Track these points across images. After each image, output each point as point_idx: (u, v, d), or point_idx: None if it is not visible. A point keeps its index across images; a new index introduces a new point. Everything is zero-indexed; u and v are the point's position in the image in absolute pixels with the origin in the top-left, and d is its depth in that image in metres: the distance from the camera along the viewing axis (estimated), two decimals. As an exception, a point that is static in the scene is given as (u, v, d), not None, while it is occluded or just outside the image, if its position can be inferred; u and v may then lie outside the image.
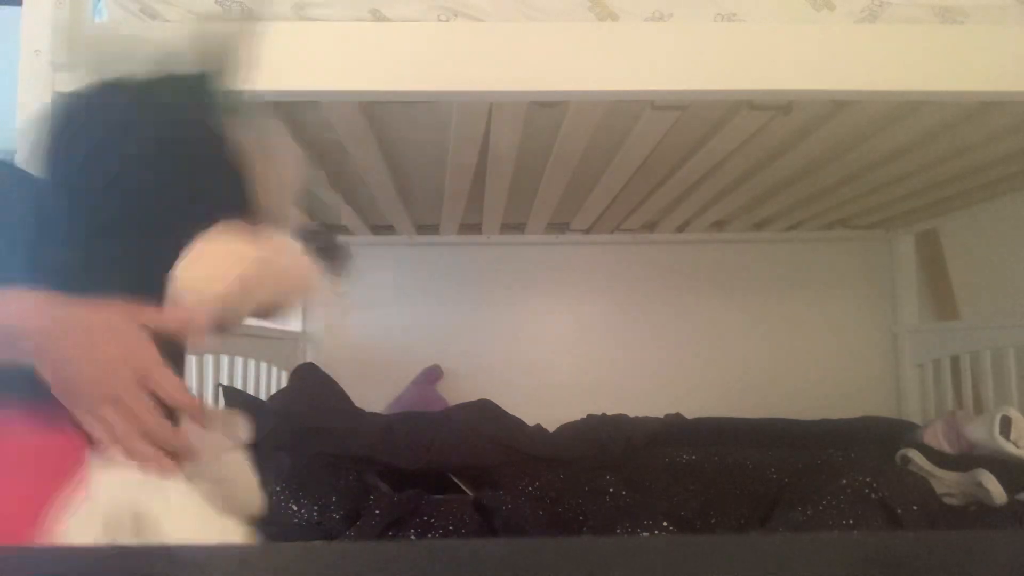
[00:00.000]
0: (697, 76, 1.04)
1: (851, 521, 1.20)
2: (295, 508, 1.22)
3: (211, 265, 0.67)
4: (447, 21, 1.04)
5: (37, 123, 0.72)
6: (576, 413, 1.97)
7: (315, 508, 1.23)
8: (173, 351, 0.66)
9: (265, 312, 0.79)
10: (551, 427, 1.88)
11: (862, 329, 2.46)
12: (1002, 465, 1.43)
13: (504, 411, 1.76)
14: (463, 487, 1.59)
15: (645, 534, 1.21)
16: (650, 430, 1.89)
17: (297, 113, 1.30)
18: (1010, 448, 1.51)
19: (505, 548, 0.40)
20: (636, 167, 1.59)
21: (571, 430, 1.88)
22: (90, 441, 0.59)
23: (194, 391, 1.50)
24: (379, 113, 1.31)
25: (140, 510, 0.56)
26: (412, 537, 1.18)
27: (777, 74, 1.05)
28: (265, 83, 1.02)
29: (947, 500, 1.41)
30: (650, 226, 2.39)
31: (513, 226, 2.38)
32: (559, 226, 2.40)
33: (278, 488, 1.23)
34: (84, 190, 0.68)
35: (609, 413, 1.98)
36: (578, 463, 1.70)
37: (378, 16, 1.03)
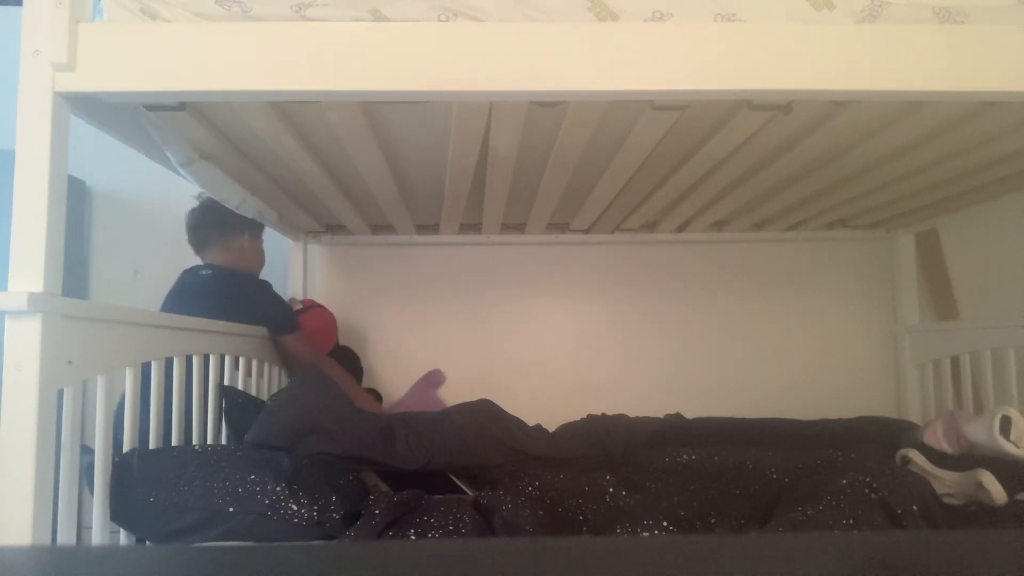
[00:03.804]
0: (697, 76, 1.04)
1: (851, 521, 1.20)
2: (295, 508, 1.22)
3: None
4: (447, 21, 1.04)
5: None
6: (576, 413, 1.97)
7: (315, 508, 1.22)
8: None
9: None
10: (551, 427, 1.88)
11: (862, 329, 2.47)
12: (1002, 465, 1.43)
13: (504, 411, 1.76)
14: (463, 487, 1.59)
15: (645, 534, 1.20)
16: (650, 430, 1.89)
17: (297, 113, 1.30)
18: (1010, 448, 1.51)
19: (505, 548, 0.40)
20: (636, 167, 1.59)
21: (571, 430, 1.87)
22: None
23: (195, 391, 1.50)
24: (379, 113, 1.31)
25: None
26: (412, 537, 1.18)
27: (777, 74, 1.05)
28: (266, 83, 1.02)
29: (947, 500, 1.40)
30: (650, 226, 2.39)
31: (513, 226, 2.38)
32: (559, 226, 2.40)
33: (278, 488, 1.23)
34: None
35: (609, 413, 1.98)
36: (578, 463, 1.70)
37: (378, 16, 1.03)
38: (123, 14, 1.03)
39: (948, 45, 1.06)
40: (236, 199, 1.76)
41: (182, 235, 2.00)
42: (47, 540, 0.99)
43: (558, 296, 2.48)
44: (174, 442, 1.42)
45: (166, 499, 1.20)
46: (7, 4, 2.16)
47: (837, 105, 1.29)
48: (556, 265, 2.47)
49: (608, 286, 2.48)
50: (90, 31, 1.02)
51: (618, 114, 1.30)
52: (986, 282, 2.37)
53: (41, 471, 0.97)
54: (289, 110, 1.28)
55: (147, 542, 1.25)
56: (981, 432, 1.58)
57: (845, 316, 2.47)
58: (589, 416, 1.96)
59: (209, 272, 1.92)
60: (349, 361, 2.23)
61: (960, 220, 2.27)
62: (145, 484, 1.22)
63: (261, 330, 1.94)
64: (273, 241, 2.35)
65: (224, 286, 1.88)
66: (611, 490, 1.35)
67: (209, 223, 1.96)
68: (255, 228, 2.05)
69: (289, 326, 1.99)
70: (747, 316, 2.46)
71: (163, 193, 2.33)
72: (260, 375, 1.95)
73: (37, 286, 0.98)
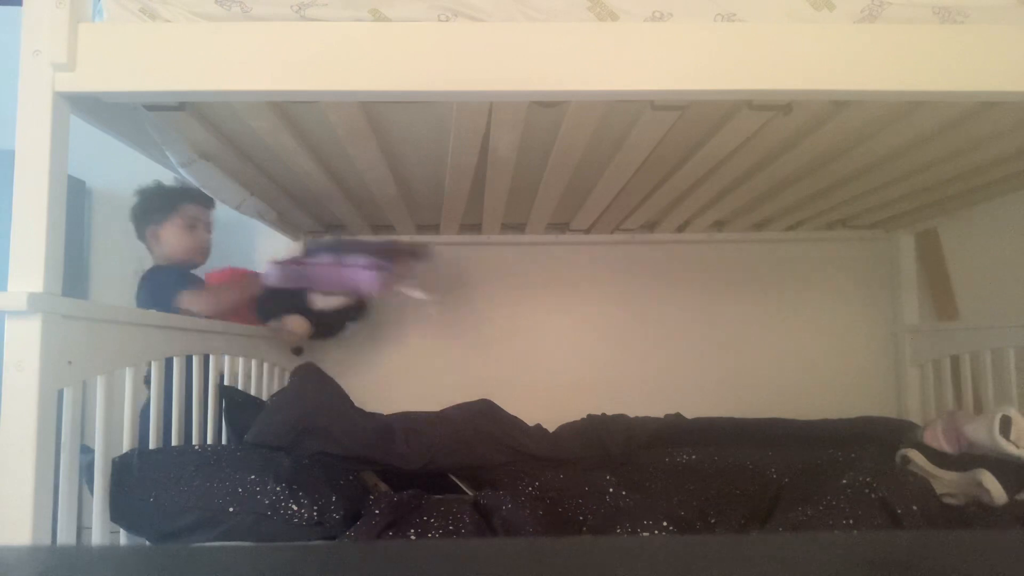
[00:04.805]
0: (697, 76, 1.04)
1: (851, 521, 1.20)
2: (295, 508, 1.22)
3: None
4: (447, 21, 1.04)
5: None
6: (576, 413, 1.97)
7: (315, 508, 1.23)
8: None
9: None
10: (551, 427, 1.88)
11: (862, 329, 2.46)
12: (1002, 465, 1.43)
13: (504, 411, 1.76)
14: (463, 487, 1.59)
15: (645, 534, 1.20)
16: (650, 430, 1.89)
17: (297, 113, 1.30)
18: (1010, 448, 1.51)
19: (505, 548, 0.40)
20: (636, 167, 1.59)
21: (571, 430, 1.88)
22: None
23: (195, 391, 1.50)
24: (379, 113, 1.31)
25: None
26: (412, 537, 1.18)
27: (777, 74, 1.05)
28: (265, 83, 1.02)
29: (947, 500, 1.40)
30: (650, 226, 2.39)
31: (513, 226, 2.38)
32: (559, 226, 2.40)
33: (278, 488, 1.23)
34: None
35: (609, 413, 1.98)
36: (578, 463, 1.71)
37: (378, 16, 1.03)
38: (123, 14, 1.03)
39: (948, 45, 1.06)
40: (236, 199, 1.76)
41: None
42: (47, 540, 0.99)
43: (558, 296, 2.48)
44: (174, 442, 1.42)
45: (166, 499, 1.20)
46: (7, 4, 2.16)
47: (837, 105, 1.29)
48: (556, 265, 2.47)
49: (608, 286, 2.47)
50: (90, 31, 1.02)
51: (618, 114, 1.30)
52: (986, 282, 2.37)
53: (41, 471, 0.97)
54: (289, 110, 1.28)
55: (147, 542, 1.25)
56: (981, 432, 1.58)
57: (845, 316, 2.47)
58: (589, 416, 1.96)
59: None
60: None
61: (960, 220, 2.27)
62: (145, 484, 1.22)
63: (262, 330, 1.94)
64: (273, 241, 2.35)
65: (139, 290, 1.78)
66: (611, 490, 1.35)
67: (133, 221, 1.88)
68: (164, 213, 1.82)
69: (180, 286, 1.72)
70: (747, 316, 2.46)
71: (163, 193, 2.33)
72: (260, 375, 1.95)
73: (37, 286, 0.98)
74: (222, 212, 1.99)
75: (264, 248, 2.37)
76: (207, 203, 1.90)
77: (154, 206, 1.83)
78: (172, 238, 1.85)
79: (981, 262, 2.39)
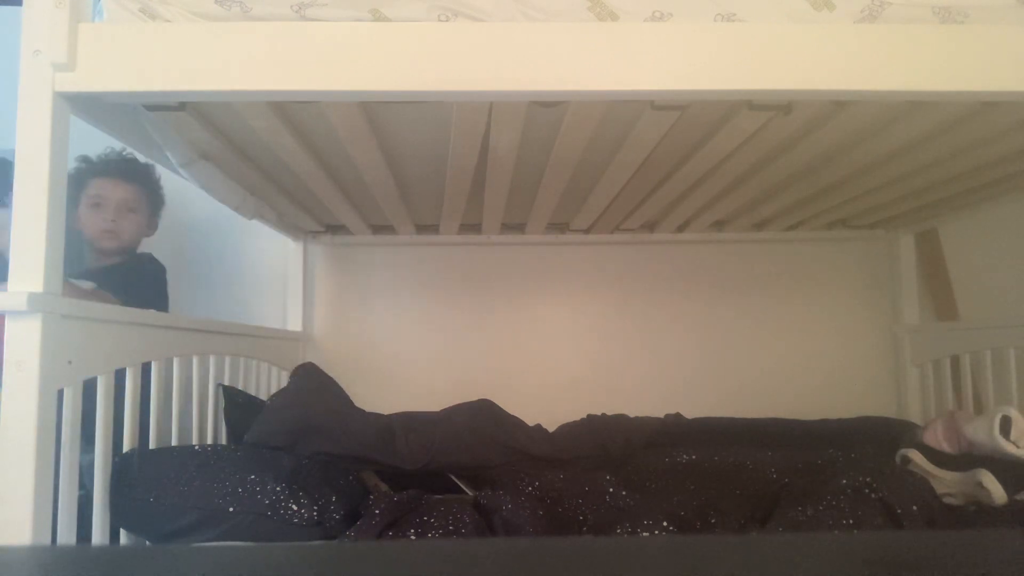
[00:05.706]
0: (697, 76, 1.04)
1: (851, 521, 1.20)
2: (295, 508, 1.22)
3: None
4: (447, 21, 1.04)
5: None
6: (576, 413, 1.97)
7: (315, 508, 1.23)
8: None
9: None
10: (551, 427, 1.88)
11: (862, 329, 2.46)
12: (1002, 465, 1.43)
13: (504, 411, 1.76)
14: (463, 487, 1.59)
15: (645, 534, 1.20)
16: (650, 430, 1.89)
17: (297, 113, 1.30)
18: (1010, 448, 1.51)
19: (505, 548, 0.40)
20: (636, 167, 1.59)
21: (571, 430, 1.88)
22: None
23: (195, 392, 1.50)
24: (379, 113, 1.31)
25: None
26: (412, 537, 1.18)
27: (777, 74, 1.05)
28: (265, 83, 1.02)
29: (947, 500, 1.40)
30: (650, 226, 2.39)
31: (513, 226, 2.38)
32: (559, 226, 2.40)
33: (278, 488, 1.23)
34: None
35: (609, 413, 1.98)
36: (578, 463, 1.70)
37: (378, 16, 1.03)
38: (123, 14, 1.03)
39: (948, 45, 1.06)
40: (236, 199, 1.76)
41: (182, 235, 2.00)
42: (47, 540, 0.99)
43: (558, 296, 2.48)
44: (174, 442, 1.42)
45: (166, 499, 1.20)
46: (7, 4, 2.16)
47: (837, 105, 1.29)
48: (556, 265, 2.47)
49: (608, 286, 2.48)
50: (90, 31, 1.02)
51: (618, 114, 1.30)
52: (986, 282, 2.37)
53: (41, 471, 0.97)
54: (289, 110, 1.28)
55: (147, 542, 1.25)
56: (981, 432, 1.58)
57: (845, 316, 2.47)
58: (589, 416, 1.96)
59: None
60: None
61: (960, 220, 2.27)
62: (145, 484, 1.22)
63: (263, 330, 1.94)
64: (273, 241, 2.35)
65: None
66: (611, 490, 1.35)
67: None
68: (77, 190, 1.75)
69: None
70: (747, 316, 2.46)
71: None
72: (260, 375, 1.95)
73: (37, 286, 0.98)
74: (222, 211, 1.99)
75: (263, 248, 2.38)
76: (116, 179, 1.79)
77: (73, 182, 1.73)
78: (81, 216, 1.79)
79: (981, 262, 2.39)
